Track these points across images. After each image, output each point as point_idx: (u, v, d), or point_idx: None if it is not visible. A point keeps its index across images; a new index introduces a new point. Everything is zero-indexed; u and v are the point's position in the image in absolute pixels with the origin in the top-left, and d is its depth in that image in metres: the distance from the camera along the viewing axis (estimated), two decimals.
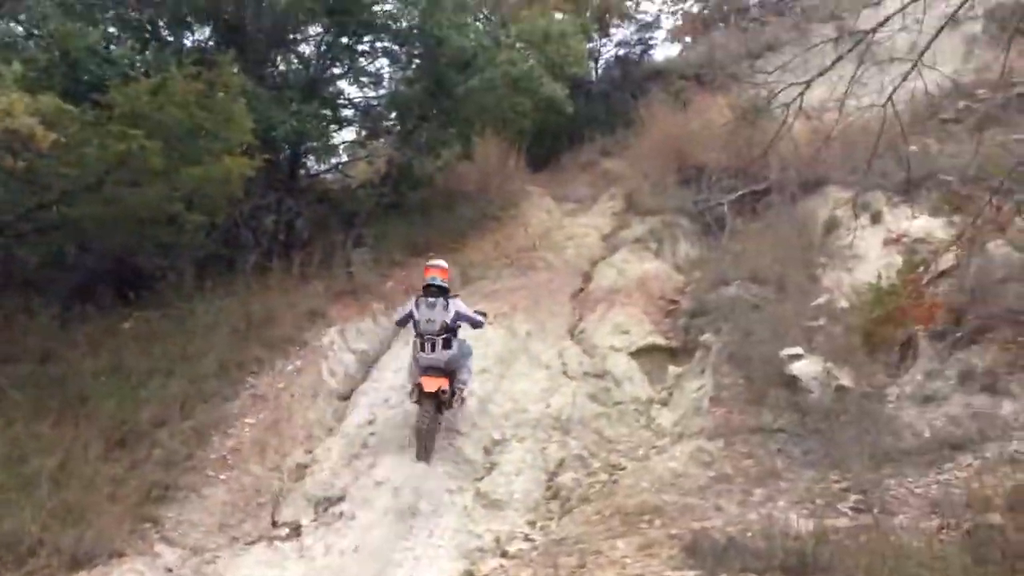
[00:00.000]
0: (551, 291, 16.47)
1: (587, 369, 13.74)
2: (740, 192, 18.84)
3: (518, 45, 17.11)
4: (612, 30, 26.89)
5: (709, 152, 20.25)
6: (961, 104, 21.53)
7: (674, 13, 29.79)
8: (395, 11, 16.43)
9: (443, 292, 11.55)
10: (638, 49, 27.47)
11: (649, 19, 27.69)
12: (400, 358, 13.43)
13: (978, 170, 17.27)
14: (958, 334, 11.41)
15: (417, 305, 11.51)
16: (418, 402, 11.06)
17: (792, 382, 11.58)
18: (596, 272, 17.28)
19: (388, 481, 10.58)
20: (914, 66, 9.99)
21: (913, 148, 19.09)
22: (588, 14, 24.44)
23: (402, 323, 11.95)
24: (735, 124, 21.62)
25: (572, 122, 22.75)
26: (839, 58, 9.06)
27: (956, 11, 10.32)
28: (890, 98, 9.86)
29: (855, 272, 15.76)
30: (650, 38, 27.78)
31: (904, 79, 9.74)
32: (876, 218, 16.79)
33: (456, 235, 18.13)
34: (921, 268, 10.64)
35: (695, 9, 31.13)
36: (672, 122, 22.20)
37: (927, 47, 10.43)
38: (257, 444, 11.42)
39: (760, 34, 27.57)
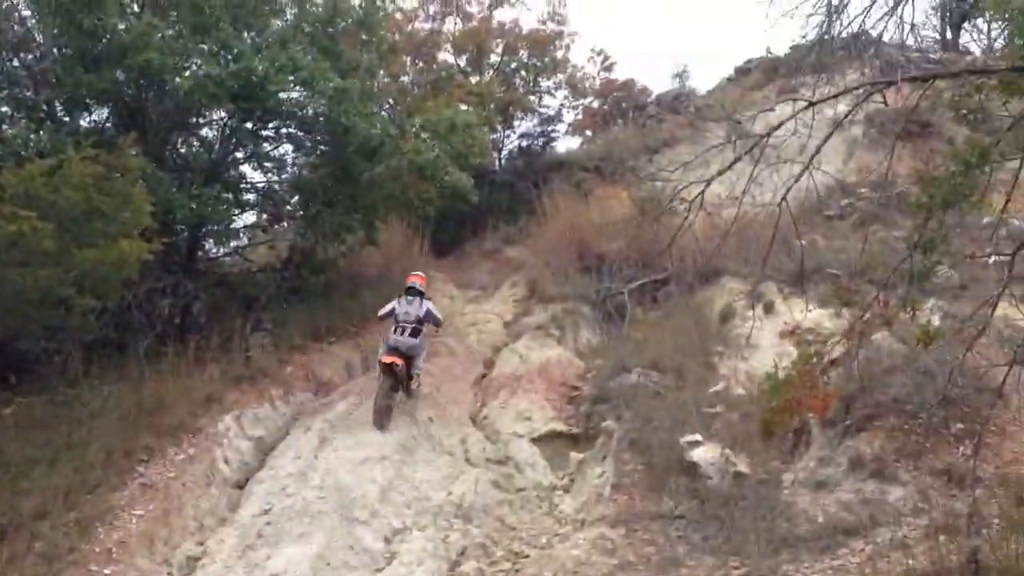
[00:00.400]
0: (453, 377, 16.44)
1: (490, 455, 13.69)
2: (640, 281, 19.31)
3: (423, 135, 17.23)
4: (515, 122, 27.61)
5: (610, 242, 20.80)
6: (844, 202, 22.72)
7: (575, 108, 30.69)
8: (301, 99, 16.43)
9: (420, 295, 14.51)
10: (540, 141, 28.22)
11: (551, 113, 28.49)
12: (300, 445, 13.14)
13: (864, 265, 18.25)
14: (847, 422, 11.81)
15: (399, 301, 14.45)
16: (379, 377, 13.73)
17: (692, 468, 11.74)
18: (499, 358, 17.36)
19: (285, 573, 10.22)
20: (806, 168, 10.57)
21: (802, 243, 20.03)
22: (492, 106, 24.99)
23: (386, 316, 14.46)
24: (637, 217, 22.40)
25: (475, 210, 23.01)
26: (737, 159, 9.43)
27: (844, 118, 10.90)
28: (784, 198, 10.34)
29: (750, 361, 16.24)
30: (552, 131, 28.60)
31: (796, 180, 10.22)
32: (769, 309, 17.41)
33: (358, 320, 17.93)
34: (815, 359, 10.92)
35: (595, 105, 32.15)
36: (574, 212, 22.72)
37: (817, 151, 11.09)
38: (145, 536, 10.91)
39: (657, 131, 28.63)
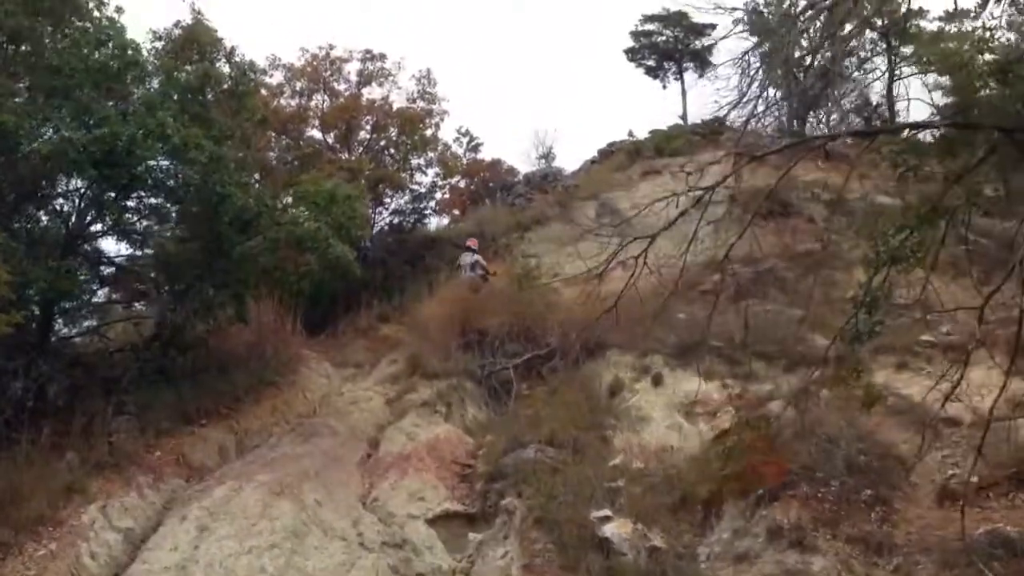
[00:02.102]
0: (337, 458, 15.49)
1: (385, 539, 12.83)
2: (526, 356, 18.93)
3: (301, 207, 16.54)
4: (386, 199, 27.18)
5: (491, 317, 20.40)
6: (717, 277, 23.22)
7: (441, 187, 30.57)
8: (171, 167, 15.48)
9: (471, 251, 23.12)
10: (412, 218, 27.85)
11: (423, 190, 28.22)
12: (176, 536, 11.94)
13: (744, 337, 18.56)
14: (759, 491, 11.63)
15: (462, 257, 22.94)
16: None
17: (605, 545, 11.31)
18: (384, 437, 16.54)
19: None
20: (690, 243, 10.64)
21: (682, 315, 20.27)
22: (363, 183, 24.52)
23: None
24: (511, 290, 22.18)
25: (348, 288, 22.34)
26: (682, 213, 9.26)
27: (703, 195, 11.05)
28: (599, 272, 10.43)
29: (642, 434, 16.05)
30: (424, 208, 28.31)
31: (610, 259, 10.32)
32: (658, 381, 17.36)
33: (230, 401, 16.83)
34: (760, 426, 10.77)
35: (462, 184, 32.17)
36: (451, 289, 22.30)
37: (694, 236, 11.29)
38: None
39: (527, 209, 28.80)
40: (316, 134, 27.25)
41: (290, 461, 14.82)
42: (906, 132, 8.63)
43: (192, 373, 16.99)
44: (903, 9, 31.97)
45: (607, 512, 11.90)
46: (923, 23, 31.21)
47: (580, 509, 12.18)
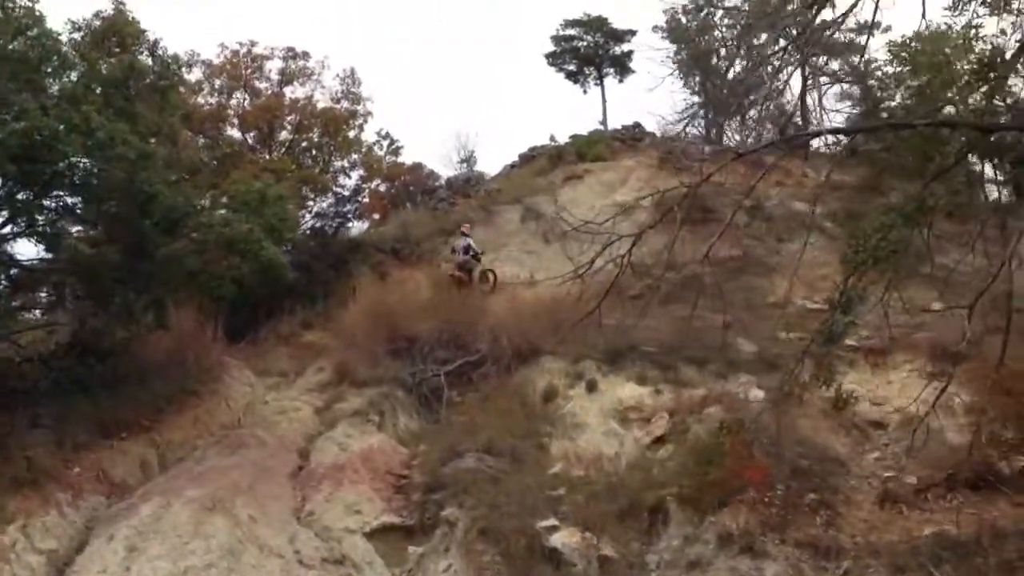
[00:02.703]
0: (268, 470, 14.98)
1: (324, 555, 12.46)
2: (458, 363, 18.67)
3: (230, 208, 15.95)
4: (309, 202, 26.51)
5: (419, 323, 20.07)
6: (643, 283, 23.34)
7: (360, 192, 29.99)
8: (93, 164, 14.68)
9: (464, 235, 23.79)
10: (335, 222, 27.24)
11: (347, 193, 27.65)
12: (104, 557, 11.34)
13: (673, 342, 18.68)
14: (707, 498, 11.64)
15: (456, 242, 23.81)
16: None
17: (554, 555, 11.20)
18: (315, 448, 16.07)
19: None
20: (605, 247, 10.65)
21: (611, 321, 20.28)
22: (290, 183, 23.86)
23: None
24: (441, 297, 21.92)
25: (270, 293, 21.63)
26: (665, 213, 9.17)
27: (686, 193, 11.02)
28: (582, 273, 10.36)
29: (578, 441, 15.98)
30: (347, 211, 27.73)
31: (595, 258, 10.26)
32: (592, 387, 17.30)
33: (151, 411, 16.12)
34: (737, 430, 10.74)
35: (382, 188, 31.68)
36: (377, 294, 21.83)
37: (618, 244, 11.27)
38: None
39: (450, 214, 28.50)
40: (235, 134, 26.47)
41: (219, 475, 14.26)
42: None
43: (110, 383, 16.18)
44: (817, 20, 33.18)
45: (553, 522, 11.81)
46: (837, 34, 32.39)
47: (525, 519, 12.06)
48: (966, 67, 6.34)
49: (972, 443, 11.12)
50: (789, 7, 34.61)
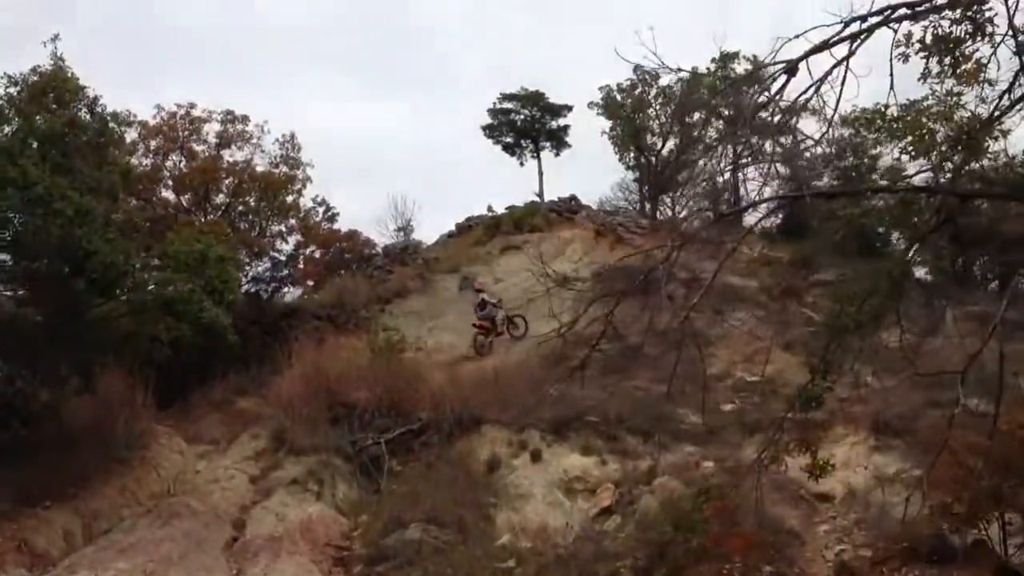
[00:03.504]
0: (200, 541, 14.35)
1: None
2: (399, 431, 18.28)
3: (169, 269, 15.49)
4: (245, 266, 25.92)
5: (358, 391, 19.65)
6: (583, 353, 23.31)
7: (296, 257, 29.57)
8: (29, 219, 14.13)
9: (478, 291, 24.74)
10: (271, 287, 26.74)
11: (282, 258, 27.21)
12: None
13: (617, 413, 18.61)
14: (663, 569, 11.44)
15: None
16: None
17: None
18: (251, 518, 15.48)
19: None
20: (587, 307, 10.59)
21: (553, 391, 20.15)
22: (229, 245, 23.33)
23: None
24: (376, 363, 21.49)
25: (201, 358, 20.93)
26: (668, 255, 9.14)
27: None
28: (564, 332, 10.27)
29: (524, 512, 15.68)
30: (283, 276, 27.23)
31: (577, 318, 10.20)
32: (536, 457, 17.06)
33: (77, 479, 15.38)
34: (710, 497, 10.52)
35: (317, 255, 31.28)
36: (314, 361, 21.32)
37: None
38: None
39: (387, 281, 28.27)
40: (170, 195, 25.93)
41: (149, 546, 13.62)
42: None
43: (34, 448, 15.40)
44: (749, 101, 34.20)
45: None
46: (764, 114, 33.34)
47: None
48: (945, 134, 6.51)
49: (930, 516, 11.14)
50: (721, 89, 35.77)
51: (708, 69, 33.76)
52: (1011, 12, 6.20)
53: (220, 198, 26.40)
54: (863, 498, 14.36)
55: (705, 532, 10.46)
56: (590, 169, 52.77)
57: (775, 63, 7.02)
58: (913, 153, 6.69)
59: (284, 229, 27.36)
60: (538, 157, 35.28)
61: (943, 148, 6.44)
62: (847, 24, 6.66)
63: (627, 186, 36.63)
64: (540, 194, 34.61)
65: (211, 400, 21.57)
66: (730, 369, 22.31)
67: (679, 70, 7.81)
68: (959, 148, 6.26)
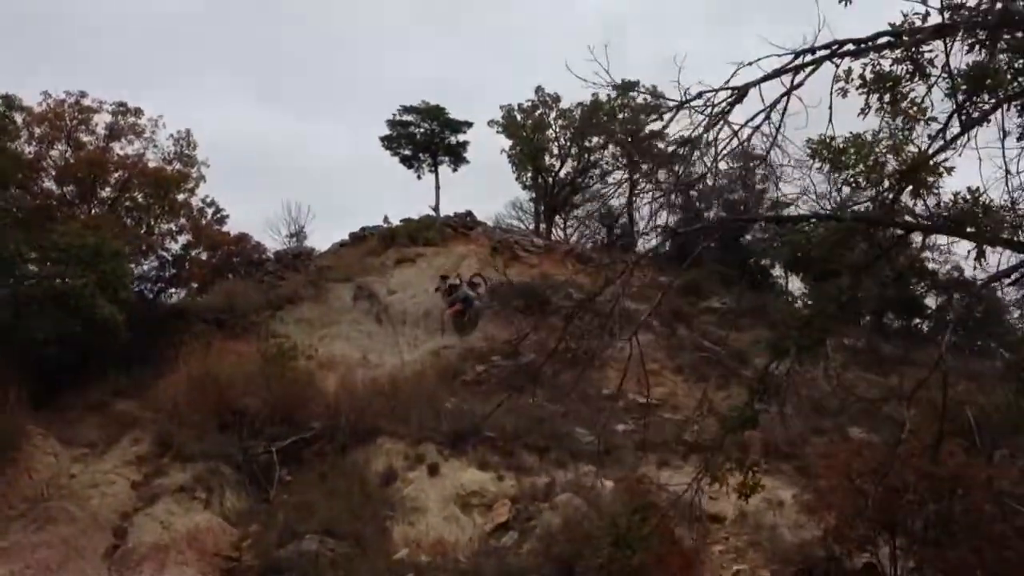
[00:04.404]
0: (79, 549, 13.73)
1: None
2: (292, 439, 17.84)
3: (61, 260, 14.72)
4: (130, 264, 24.79)
5: (247, 397, 19.11)
6: (479, 368, 23.33)
7: (185, 257, 28.49)
8: None
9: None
10: (157, 287, 25.69)
11: (169, 257, 26.14)
12: None
13: (514, 429, 18.64)
14: None
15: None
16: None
17: None
18: (133, 526, 14.82)
19: None
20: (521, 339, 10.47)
21: (449, 405, 20.06)
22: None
23: None
24: (267, 370, 20.92)
25: (79, 357, 19.91)
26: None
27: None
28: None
29: (419, 525, 15.52)
30: (171, 276, 26.21)
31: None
32: (434, 470, 16.91)
33: None
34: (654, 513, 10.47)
35: (203, 256, 30.26)
36: (201, 365, 20.60)
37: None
38: None
39: (279, 287, 27.60)
40: (52, 186, 24.59)
41: (25, 552, 12.98)
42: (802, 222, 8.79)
43: None
44: (646, 129, 35.09)
45: None
46: (660, 144, 34.23)
47: None
48: (894, 168, 6.79)
49: (823, 538, 11.50)
50: (619, 116, 36.46)
51: (608, 95, 34.82)
52: (948, 53, 6.49)
53: (107, 192, 25.21)
54: (753, 520, 14.73)
55: (648, 549, 10.49)
56: (485, 186, 52.86)
57: (723, 88, 7.15)
58: (863, 183, 6.95)
59: (174, 228, 26.33)
60: (435, 171, 35.13)
61: (891, 180, 6.71)
62: (798, 55, 6.87)
63: (521, 205, 36.87)
64: (436, 208, 34.46)
65: (88, 401, 20.51)
66: (622, 390, 22.63)
67: (624, 86, 7.75)
68: (902, 183, 6.54)
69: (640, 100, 33.57)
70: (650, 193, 35.36)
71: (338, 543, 13.81)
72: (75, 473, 17.00)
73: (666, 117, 8.19)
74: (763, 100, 7.06)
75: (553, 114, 35.55)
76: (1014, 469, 12.17)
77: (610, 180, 36.26)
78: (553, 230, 35.91)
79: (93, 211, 24.28)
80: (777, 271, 32.08)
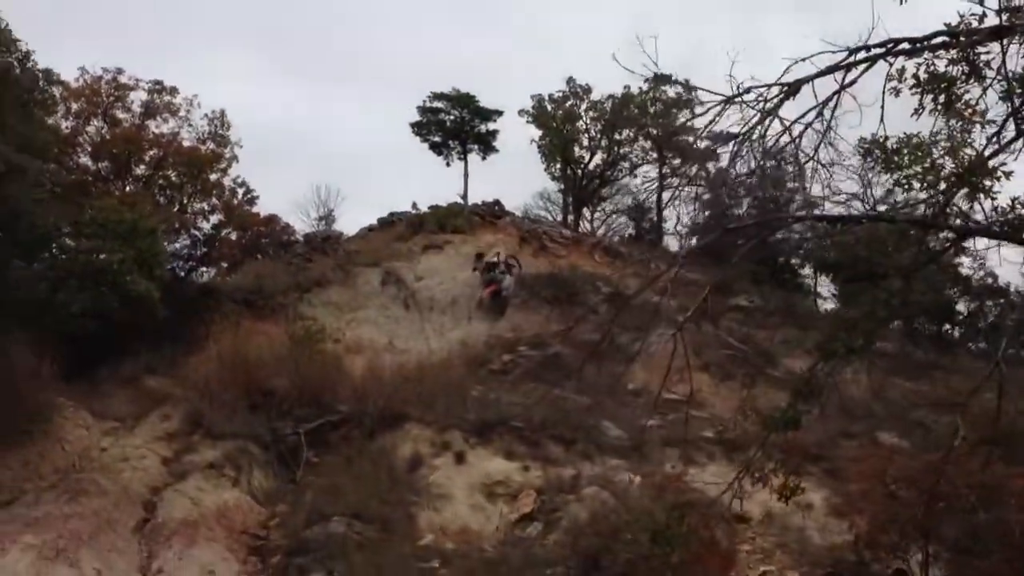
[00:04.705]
0: (111, 521, 13.85)
1: None
2: (319, 422, 17.94)
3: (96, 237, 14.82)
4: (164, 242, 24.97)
5: (277, 378, 19.24)
6: (506, 358, 23.35)
7: (217, 237, 28.64)
8: None
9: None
10: (188, 265, 25.85)
11: (202, 236, 26.29)
12: None
13: (541, 420, 18.66)
14: None
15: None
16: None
17: None
18: (163, 501, 14.94)
19: None
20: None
21: (475, 393, 20.09)
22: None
23: None
24: (295, 352, 21.00)
25: (115, 332, 20.06)
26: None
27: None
28: None
29: (444, 512, 15.60)
30: (204, 255, 26.39)
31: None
32: (460, 459, 16.96)
33: None
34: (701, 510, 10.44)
35: (233, 236, 30.41)
36: (231, 344, 20.73)
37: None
38: None
39: (307, 270, 27.70)
40: (87, 162, 24.79)
41: (58, 522, 13.07)
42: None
43: None
44: (677, 123, 35.00)
45: None
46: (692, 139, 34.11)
47: None
48: (950, 171, 6.71)
49: (854, 542, 11.45)
50: (652, 109, 36.19)
51: (640, 89, 34.67)
52: (1004, 54, 6.42)
53: (141, 169, 25.42)
54: (780, 521, 14.69)
55: (686, 547, 10.48)
56: (513, 176, 52.69)
57: (776, 83, 7.10)
58: (918, 185, 6.88)
59: (206, 207, 26.52)
60: (465, 159, 35.09)
61: (947, 182, 6.64)
62: (852, 53, 6.82)
63: (549, 196, 36.76)
64: (464, 196, 34.46)
65: (120, 376, 20.68)
66: (648, 386, 22.59)
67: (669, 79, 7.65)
68: (960, 185, 6.48)
69: (673, 93, 33.57)
70: (685, 189, 35.34)
71: (365, 526, 13.90)
72: (106, 447, 17.16)
73: (712, 112, 8.09)
74: (815, 96, 7.00)
75: (584, 105, 35.38)
76: None
77: (639, 174, 36.00)
78: (580, 222, 35.77)
79: (128, 188, 24.49)
80: (807, 271, 31.94)
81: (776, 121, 7.62)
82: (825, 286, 31.60)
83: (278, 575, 13.11)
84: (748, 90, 7.71)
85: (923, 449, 15.56)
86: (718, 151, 9.52)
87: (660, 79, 34.07)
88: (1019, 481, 10.99)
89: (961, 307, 27.59)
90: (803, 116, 7.08)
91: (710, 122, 8.33)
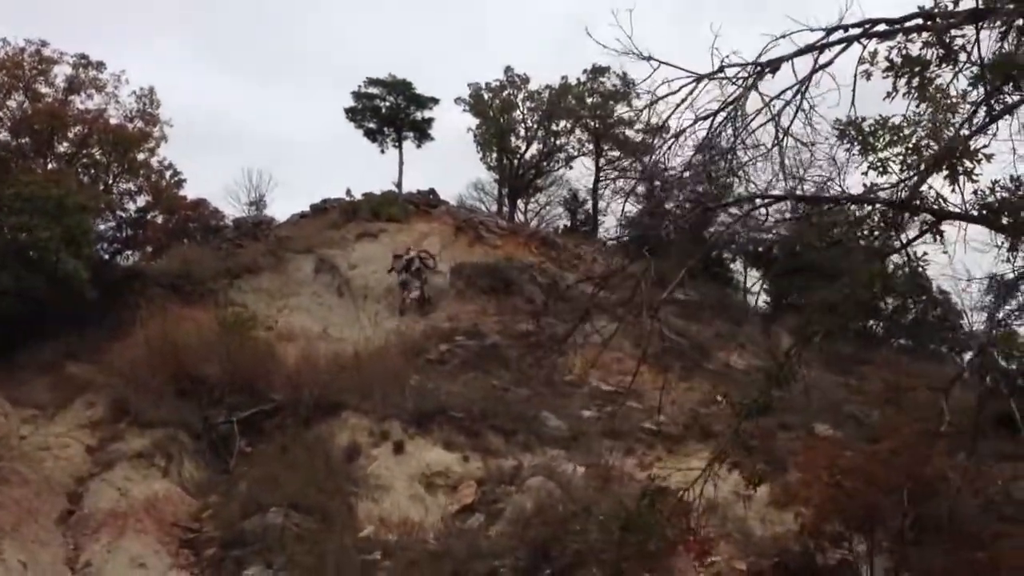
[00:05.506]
0: (33, 512, 13.20)
1: None
2: (253, 411, 17.42)
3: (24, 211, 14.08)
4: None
5: (208, 365, 18.61)
6: (443, 347, 23.02)
7: (144, 220, 27.67)
8: None
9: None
10: (113, 247, 24.89)
11: (128, 217, 25.34)
12: None
13: (481, 410, 18.41)
14: (548, 571, 11.29)
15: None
16: None
17: None
18: (88, 491, 14.28)
19: None
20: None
21: (413, 383, 19.73)
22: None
23: None
24: (226, 338, 20.37)
25: (32, 315, 19.17)
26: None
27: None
28: None
29: (384, 503, 15.25)
30: (129, 237, 25.43)
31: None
32: (399, 448, 16.61)
33: None
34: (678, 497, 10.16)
35: (160, 220, 29.46)
36: (159, 330, 19.97)
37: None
38: None
39: (238, 255, 26.97)
40: (7, 138, 23.60)
41: None
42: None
43: None
44: (615, 115, 35.05)
45: None
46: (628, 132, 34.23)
47: None
48: (931, 153, 6.63)
49: (798, 533, 11.47)
50: (589, 100, 36.15)
51: (578, 80, 34.60)
52: (977, 37, 6.36)
53: (64, 146, 24.34)
54: (722, 511, 14.68)
55: (661, 535, 10.33)
56: (449, 166, 52.27)
57: (753, 63, 6.95)
58: (896, 168, 6.79)
59: (133, 188, 25.55)
60: (400, 147, 34.59)
61: (927, 164, 6.57)
62: (830, 32, 6.71)
63: (483, 186, 36.46)
64: (399, 184, 33.98)
65: (39, 362, 19.80)
66: (585, 377, 22.54)
67: (649, 58, 7.40)
68: (938, 167, 6.41)
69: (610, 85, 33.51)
70: (630, 181, 35.33)
71: (303, 517, 13.48)
72: (25, 435, 16.39)
73: (683, 91, 7.83)
74: (795, 75, 6.88)
75: (521, 95, 35.19)
76: (995, 472, 12.26)
77: (574, 165, 35.86)
78: (515, 213, 35.57)
79: (50, 165, 23.43)
80: (737, 265, 32.29)
81: (747, 103, 7.48)
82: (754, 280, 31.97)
83: (213, 568, 12.59)
84: (721, 69, 7.55)
85: (856, 440, 15.87)
86: (656, 143, 9.28)
87: (598, 70, 34.19)
88: (967, 473, 11.12)
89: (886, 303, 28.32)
90: (781, 94, 6.95)
91: (680, 103, 8.06)
